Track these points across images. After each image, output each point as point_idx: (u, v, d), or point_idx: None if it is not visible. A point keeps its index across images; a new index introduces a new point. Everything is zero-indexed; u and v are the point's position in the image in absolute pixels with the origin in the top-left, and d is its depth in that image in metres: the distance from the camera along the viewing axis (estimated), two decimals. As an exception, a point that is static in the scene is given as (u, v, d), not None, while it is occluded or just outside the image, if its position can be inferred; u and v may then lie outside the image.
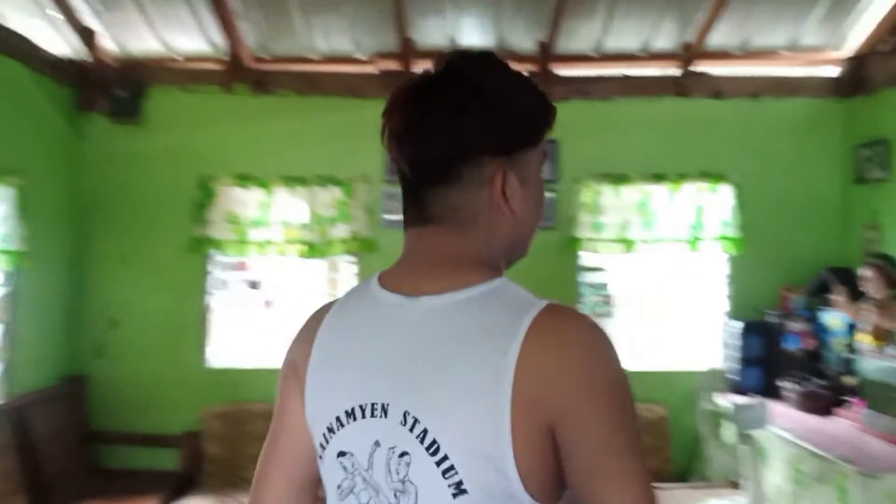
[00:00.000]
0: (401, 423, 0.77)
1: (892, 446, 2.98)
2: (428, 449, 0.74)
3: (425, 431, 0.75)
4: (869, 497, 2.58)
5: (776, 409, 3.57)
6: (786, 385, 3.85)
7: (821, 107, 4.40)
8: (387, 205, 4.28)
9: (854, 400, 3.46)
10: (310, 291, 4.66)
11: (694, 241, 4.27)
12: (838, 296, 3.62)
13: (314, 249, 4.22)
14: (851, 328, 3.69)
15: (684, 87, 4.34)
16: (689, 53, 4.24)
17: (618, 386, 0.75)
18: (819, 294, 3.99)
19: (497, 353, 0.74)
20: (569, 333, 0.76)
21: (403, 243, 0.89)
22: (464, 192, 0.84)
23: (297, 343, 0.92)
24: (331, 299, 0.94)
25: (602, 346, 0.77)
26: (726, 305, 4.40)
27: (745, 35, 4.20)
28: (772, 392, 3.92)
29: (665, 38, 4.21)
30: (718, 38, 4.18)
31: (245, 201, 4.22)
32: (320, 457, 0.85)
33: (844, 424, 3.40)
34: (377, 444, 0.78)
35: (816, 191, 4.38)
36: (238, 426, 4.04)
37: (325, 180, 4.26)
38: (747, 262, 4.28)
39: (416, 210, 0.87)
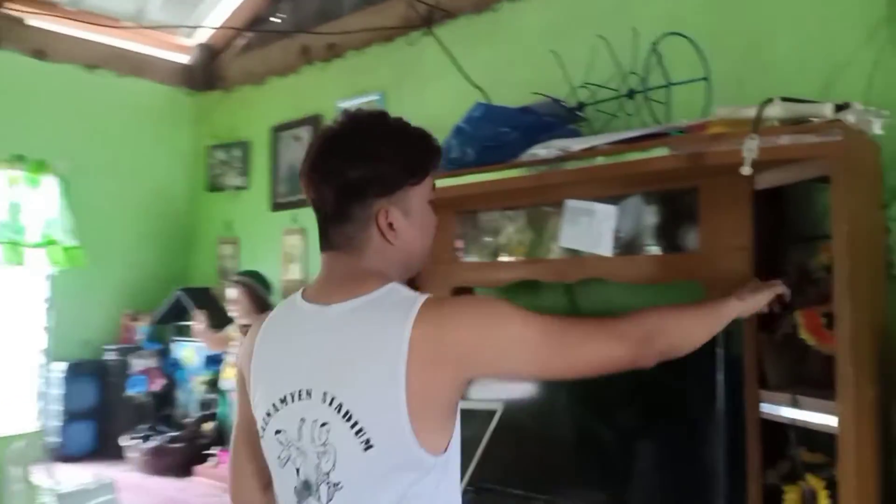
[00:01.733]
0: (321, 401, 0.99)
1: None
2: (343, 417, 0.96)
3: (341, 405, 0.97)
4: None
5: (118, 476, 2.69)
6: (128, 443, 2.99)
7: (172, 96, 3.73)
8: None
9: (220, 452, 2.84)
10: None
11: (14, 249, 2.99)
12: (197, 322, 2.97)
13: None
14: (214, 361, 3.08)
15: (-8, 31, 3.04)
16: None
17: (489, 311, 1.00)
18: (172, 321, 3.29)
19: (392, 339, 0.95)
20: (445, 314, 0.98)
21: (321, 263, 1.10)
22: (356, 227, 1.06)
23: (242, 353, 1.16)
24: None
25: (470, 305, 1.03)
26: (45, 341, 3.24)
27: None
28: (110, 453, 3.04)
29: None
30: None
31: None
32: (262, 437, 1.08)
33: (206, 486, 2.74)
34: (303, 420, 1.01)
35: (167, 196, 3.69)
36: None
37: None
38: (78, 280, 3.23)
39: (324, 240, 1.09)
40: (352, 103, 3.04)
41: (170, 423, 3.12)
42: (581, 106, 2.07)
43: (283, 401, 1.03)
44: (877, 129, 1.44)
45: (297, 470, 1.01)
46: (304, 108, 3.26)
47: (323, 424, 0.98)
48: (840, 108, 1.39)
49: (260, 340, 1.11)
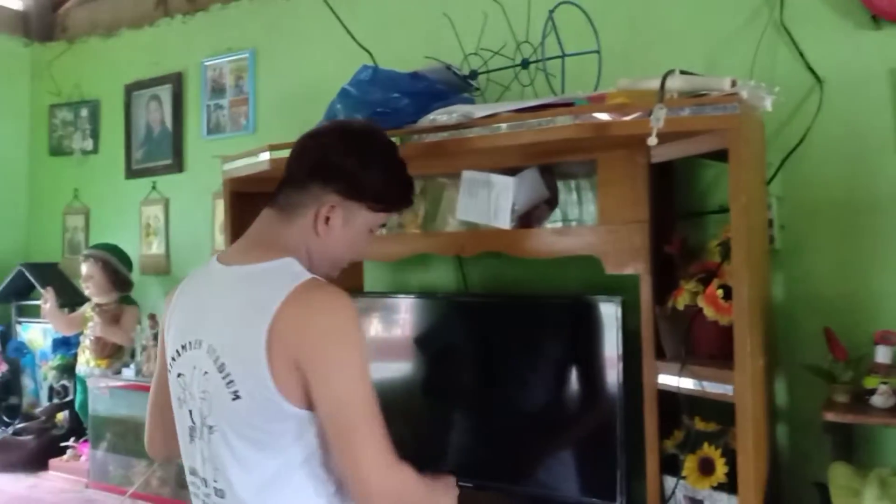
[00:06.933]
0: (207, 353, 1.09)
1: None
2: (219, 369, 1.07)
3: (218, 357, 1.08)
4: None
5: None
6: (-34, 436, 2.66)
7: (5, 48, 3.28)
8: None
9: (79, 444, 2.58)
10: None
11: None
12: (44, 302, 2.66)
13: None
14: (65, 345, 2.78)
15: None
16: None
17: (340, 338, 1.05)
18: (13, 299, 2.94)
19: (265, 308, 1.03)
20: (314, 301, 1.05)
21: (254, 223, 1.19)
22: (303, 198, 1.15)
23: (166, 305, 1.24)
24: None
25: (335, 310, 1.06)
26: None
27: None
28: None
29: None
30: None
31: None
32: (169, 381, 1.18)
33: (62, 481, 2.49)
34: (194, 367, 1.11)
35: (2, 160, 3.27)
36: None
37: None
38: None
39: (273, 197, 1.19)
40: (218, 62, 2.81)
41: (15, 412, 2.79)
42: (474, 74, 2.00)
43: (184, 347, 1.14)
44: (768, 105, 1.48)
45: (190, 412, 1.12)
46: (163, 64, 2.97)
47: (205, 373, 1.08)
48: (734, 83, 1.41)
49: (177, 296, 1.21)
